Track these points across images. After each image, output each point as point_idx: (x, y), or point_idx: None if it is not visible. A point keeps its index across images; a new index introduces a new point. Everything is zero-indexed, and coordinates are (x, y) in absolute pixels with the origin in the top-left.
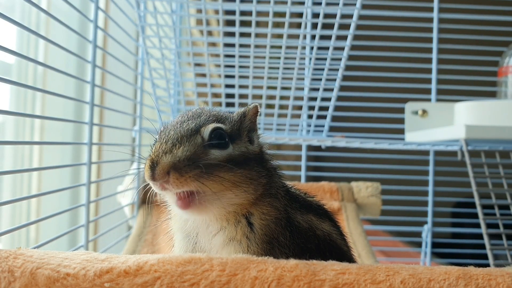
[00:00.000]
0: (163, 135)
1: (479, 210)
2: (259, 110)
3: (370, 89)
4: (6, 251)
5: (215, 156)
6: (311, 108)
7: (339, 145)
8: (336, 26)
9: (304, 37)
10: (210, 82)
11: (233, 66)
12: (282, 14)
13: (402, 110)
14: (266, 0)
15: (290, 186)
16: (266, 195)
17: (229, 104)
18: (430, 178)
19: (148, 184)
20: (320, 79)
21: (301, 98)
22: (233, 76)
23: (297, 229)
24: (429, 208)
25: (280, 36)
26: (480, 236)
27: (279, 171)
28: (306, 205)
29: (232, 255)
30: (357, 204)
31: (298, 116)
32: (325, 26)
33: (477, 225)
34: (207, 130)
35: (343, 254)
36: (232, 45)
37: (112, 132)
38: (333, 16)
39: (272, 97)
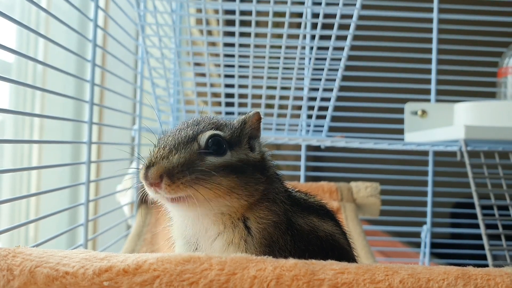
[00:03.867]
0: (161, 141)
1: (478, 210)
2: (261, 117)
3: (369, 89)
4: (5, 249)
5: (211, 162)
6: (311, 108)
7: (338, 145)
8: (336, 26)
9: (304, 37)
10: (209, 81)
11: (232, 66)
12: (282, 14)
13: (401, 111)
14: (266, 0)
15: (292, 190)
16: (264, 200)
17: (228, 104)
18: (430, 178)
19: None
20: (320, 79)
21: (301, 98)
22: (232, 76)
23: (299, 232)
24: (428, 209)
25: (280, 36)
26: (479, 237)
27: (281, 177)
28: (308, 207)
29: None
30: (356, 204)
31: (298, 116)
32: (325, 26)
33: (476, 226)
34: (204, 137)
35: (345, 254)
36: (232, 45)
37: (111, 131)
38: (333, 16)
39: (271, 97)
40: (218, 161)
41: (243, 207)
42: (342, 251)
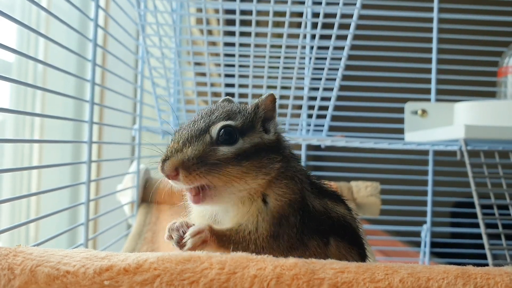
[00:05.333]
0: (177, 134)
1: (478, 210)
2: (275, 98)
3: (370, 88)
4: (6, 248)
5: (223, 152)
6: (311, 107)
7: (338, 144)
8: (336, 25)
9: (304, 36)
10: (210, 81)
11: (233, 65)
12: (282, 14)
13: (401, 110)
14: (266, 0)
15: (310, 172)
16: (282, 177)
17: None
18: (430, 178)
19: (148, 183)
20: (320, 79)
21: (301, 98)
22: (233, 75)
23: (310, 213)
24: (428, 208)
25: (280, 35)
26: (479, 236)
27: (297, 157)
28: (323, 190)
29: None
30: (356, 204)
31: (298, 115)
32: (325, 26)
33: (476, 225)
34: (215, 128)
35: (357, 236)
36: (232, 44)
37: (112, 131)
38: (333, 15)
39: None
40: (230, 150)
41: (262, 186)
42: (354, 233)
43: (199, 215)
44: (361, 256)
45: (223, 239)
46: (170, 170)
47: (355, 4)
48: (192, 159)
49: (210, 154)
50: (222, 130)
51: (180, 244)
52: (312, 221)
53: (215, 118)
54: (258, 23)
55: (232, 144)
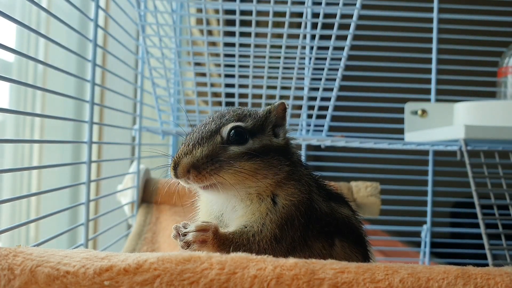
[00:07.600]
0: (188, 137)
1: (478, 210)
2: (286, 107)
3: (369, 89)
4: (6, 249)
5: (233, 151)
6: (311, 107)
7: (338, 144)
8: (336, 26)
9: (304, 36)
10: (210, 81)
11: (233, 66)
12: (282, 14)
13: (401, 110)
14: (266, 0)
15: (318, 176)
16: (290, 179)
17: (229, 104)
18: (430, 178)
19: (148, 183)
20: (320, 79)
21: (301, 98)
22: (233, 76)
23: (316, 215)
24: (428, 208)
25: (280, 35)
26: (479, 236)
27: (304, 163)
28: (329, 193)
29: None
30: (356, 204)
31: (298, 115)
32: (325, 26)
33: (476, 225)
34: (225, 129)
35: (361, 237)
36: (232, 45)
37: (112, 131)
38: (333, 16)
39: (272, 97)
40: (240, 149)
41: (271, 185)
42: (358, 233)
43: (206, 213)
44: (365, 256)
45: (224, 243)
46: (183, 174)
47: (355, 5)
48: (202, 159)
49: (220, 153)
50: (233, 130)
51: (184, 242)
52: (318, 223)
53: (226, 120)
54: (258, 24)
55: (242, 144)
